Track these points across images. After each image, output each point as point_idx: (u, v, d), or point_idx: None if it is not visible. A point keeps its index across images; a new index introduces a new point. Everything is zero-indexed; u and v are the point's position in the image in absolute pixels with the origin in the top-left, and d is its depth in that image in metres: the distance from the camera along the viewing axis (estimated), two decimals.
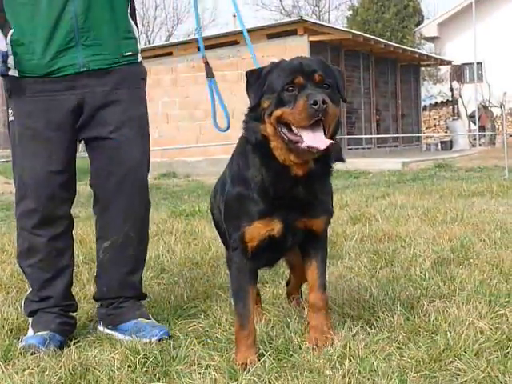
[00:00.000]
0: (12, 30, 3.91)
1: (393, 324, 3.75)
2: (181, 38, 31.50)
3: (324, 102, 3.15)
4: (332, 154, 3.45)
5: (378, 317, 3.88)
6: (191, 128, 21.80)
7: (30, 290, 4.15)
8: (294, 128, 3.25)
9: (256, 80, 3.38)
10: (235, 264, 3.52)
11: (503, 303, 4.05)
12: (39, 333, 3.91)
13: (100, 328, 4.17)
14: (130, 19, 4.14)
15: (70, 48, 3.92)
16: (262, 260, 3.61)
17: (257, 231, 3.42)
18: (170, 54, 22.78)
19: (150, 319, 4.11)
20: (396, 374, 3.09)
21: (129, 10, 4.14)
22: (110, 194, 4.11)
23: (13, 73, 3.95)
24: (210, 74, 4.24)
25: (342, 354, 3.31)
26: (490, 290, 4.32)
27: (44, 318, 4.03)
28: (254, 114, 3.37)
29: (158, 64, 22.06)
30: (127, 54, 4.08)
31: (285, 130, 3.27)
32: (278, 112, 3.26)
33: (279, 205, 3.41)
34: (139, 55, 4.18)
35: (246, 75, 3.45)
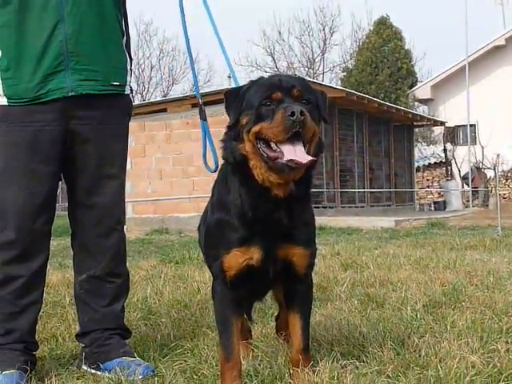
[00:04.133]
0: None
1: (382, 359, 3.68)
2: None
3: (302, 113, 3.06)
4: (312, 177, 3.37)
5: (368, 352, 3.81)
6: (184, 184, 21.75)
7: None
8: (272, 144, 3.15)
9: (235, 98, 3.31)
10: (217, 294, 3.42)
11: (496, 339, 3.99)
12: (7, 372, 3.75)
13: (84, 367, 4.06)
14: (125, 49, 4.11)
15: (58, 72, 3.83)
16: (243, 290, 3.44)
17: (235, 259, 3.30)
18: (164, 110, 22.86)
19: (135, 357, 4.01)
20: None
21: (124, 41, 4.10)
22: (87, 230, 4.08)
23: (2, 101, 3.86)
24: (202, 117, 4.17)
25: None
26: (482, 327, 4.26)
27: (8, 355, 3.87)
28: (233, 133, 3.27)
29: (152, 120, 22.12)
30: (115, 83, 4.02)
31: (263, 147, 3.17)
32: (256, 128, 3.16)
33: (259, 230, 3.29)
34: (127, 87, 4.13)
35: (225, 94, 3.38)
